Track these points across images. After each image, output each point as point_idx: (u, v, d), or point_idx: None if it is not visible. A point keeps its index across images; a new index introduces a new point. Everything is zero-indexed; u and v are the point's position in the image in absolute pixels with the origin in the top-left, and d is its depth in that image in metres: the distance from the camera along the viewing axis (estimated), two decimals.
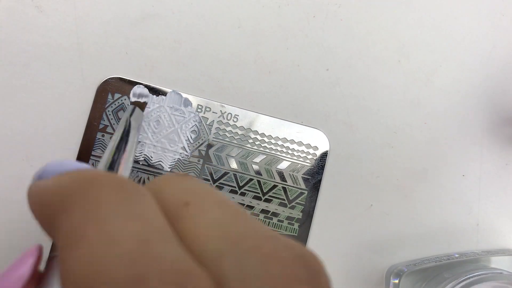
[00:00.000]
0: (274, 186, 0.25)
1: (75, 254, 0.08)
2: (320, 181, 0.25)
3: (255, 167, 0.25)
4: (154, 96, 0.25)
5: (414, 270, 0.24)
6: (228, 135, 0.25)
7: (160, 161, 0.25)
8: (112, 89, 0.25)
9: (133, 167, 0.25)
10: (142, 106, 0.25)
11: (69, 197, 0.10)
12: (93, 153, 0.25)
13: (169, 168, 0.25)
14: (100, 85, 0.25)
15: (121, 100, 0.25)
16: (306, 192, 0.25)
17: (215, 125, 0.25)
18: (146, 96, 0.25)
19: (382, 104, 0.26)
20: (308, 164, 0.25)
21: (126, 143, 0.21)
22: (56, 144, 0.25)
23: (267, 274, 0.09)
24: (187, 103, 0.25)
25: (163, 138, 0.25)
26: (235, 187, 0.25)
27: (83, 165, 0.11)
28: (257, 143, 0.25)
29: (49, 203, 0.10)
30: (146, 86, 0.25)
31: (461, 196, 0.26)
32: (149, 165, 0.25)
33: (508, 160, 0.26)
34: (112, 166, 0.20)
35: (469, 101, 0.26)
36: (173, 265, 0.08)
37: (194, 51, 0.25)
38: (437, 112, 0.26)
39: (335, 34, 0.26)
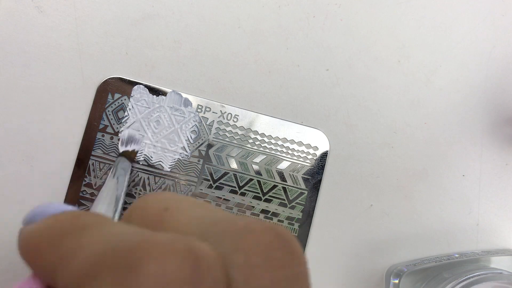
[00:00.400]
0: (274, 186, 0.25)
1: (76, 257, 0.09)
2: (320, 181, 0.25)
3: (255, 167, 0.25)
4: (154, 96, 0.25)
5: (414, 270, 0.24)
6: (228, 135, 0.25)
7: (160, 161, 0.25)
8: (112, 89, 0.25)
9: (133, 167, 0.25)
10: (131, 155, 0.25)
11: (57, 233, 0.10)
12: (93, 153, 0.25)
13: (169, 168, 0.25)
14: (100, 85, 0.25)
15: (121, 100, 0.25)
16: (306, 192, 0.25)
17: (215, 125, 0.25)
18: (136, 141, 0.25)
19: (382, 104, 0.26)
20: (308, 164, 0.25)
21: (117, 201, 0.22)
22: (56, 144, 0.25)
23: (244, 245, 0.09)
24: (187, 103, 0.25)
25: (163, 138, 0.25)
26: (235, 187, 0.25)
27: (68, 207, 0.12)
28: (257, 143, 0.25)
29: (37, 243, 0.10)
30: (146, 86, 0.25)
31: (461, 196, 0.26)
32: (149, 165, 0.25)
33: (508, 160, 0.26)
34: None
35: (469, 101, 0.26)
36: (179, 236, 0.09)
37: (194, 51, 0.25)
38: (437, 112, 0.26)
39: (335, 34, 0.26)
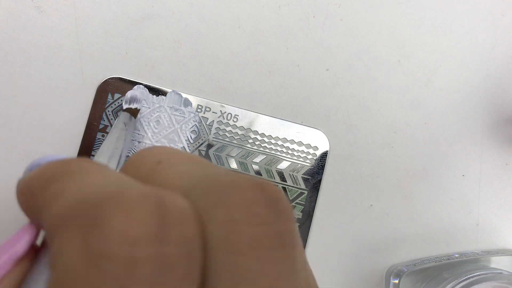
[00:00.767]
0: None
1: (57, 202, 0.09)
2: (320, 181, 0.25)
3: (255, 167, 0.25)
4: (154, 96, 0.25)
5: (414, 270, 0.24)
6: (228, 135, 0.25)
7: None
8: (112, 89, 0.25)
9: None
10: (134, 112, 0.25)
11: (47, 178, 0.10)
12: (93, 153, 0.25)
13: None
14: (100, 85, 0.25)
15: (121, 100, 0.25)
16: (306, 192, 0.25)
17: (215, 125, 0.25)
18: (138, 101, 0.25)
19: (382, 104, 0.26)
20: (308, 164, 0.25)
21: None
22: (56, 144, 0.25)
23: (226, 200, 0.09)
24: (187, 103, 0.25)
25: (163, 138, 0.25)
26: None
27: (63, 156, 0.12)
28: (257, 143, 0.25)
29: (30, 188, 0.10)
30: (146, 86, 0.25)
31: (461, 196, 0.26)
32: None
33: (508, 160, 0.26)
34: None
35: (469, 101, 0.26)
36: (151, 189, 0.09)
37: (194, 51, 0.25)
38: (437, 112, 0.26)
39: (335, 34, 0.26)
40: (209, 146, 0.25)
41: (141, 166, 0.11)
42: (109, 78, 0.25)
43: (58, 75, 0.25)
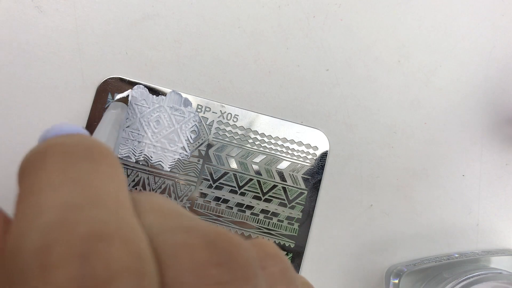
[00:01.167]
0: (274, 186, 0.25)
1: (10, 229, 0.09)
2: (320, 181, 0.25)
3: (255, 167, 0.25)
4: (154, 96, 0.25)
5: (414, 270, 0.24)
6: (228, 135, 0.25)
7: (160, 161, 0.25)
8: (112, 89, 0.25)
9: (133, 167, 0.25)
10: (125, 100, 0.25)
11: (24, 168, 0.10)
12: None
13: (169, 168, 0.25)
14: (100, 85, 0.25)
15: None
16: (306, 192, 0.25)
17: (215, 125, 0.25)
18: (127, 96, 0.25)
19: (382, 104, 0.26)
20: (308, 164, 0.25)
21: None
22: None
23: (178, 262, 0.09)
24: (187, 103, 0.25)
25: (163, 138, 0.25)
26: (235, 187, 0.25)
27: (74, 129, 0.11)
28: (257, 143, 0.25)
29: (23, 165, 0.10)
30: (146, 86, 0.25)
31: (461, 196, 0.26)
32: (149, 165, 0.25)
33: (508, 160, 0.26)
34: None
35: (469, 101, 0.26)
36: (91, 229, 0.08)
37: (194, 51, 0.25)
38: (437, 112, 0.26)
39: (335, 34, 0.26)
40: (209, 146, 0.25)
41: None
42: (109, 78, 0.25)
43: (58, 75, 0.25)
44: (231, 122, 0.25)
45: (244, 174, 0.25)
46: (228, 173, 0.25)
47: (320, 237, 0.25)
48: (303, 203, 0.25)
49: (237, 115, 0.25)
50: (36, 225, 0.08)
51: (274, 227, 0.25)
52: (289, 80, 0.26)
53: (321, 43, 0.26)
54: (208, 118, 0.25)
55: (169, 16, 0.25)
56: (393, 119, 0.26)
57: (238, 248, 0.09)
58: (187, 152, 0.25)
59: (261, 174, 0.25)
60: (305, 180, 0.25)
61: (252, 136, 0.25)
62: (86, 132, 0.11)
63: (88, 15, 0.25)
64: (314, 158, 0.25)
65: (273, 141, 0.25)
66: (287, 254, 0.25)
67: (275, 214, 0.25)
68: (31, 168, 0.09)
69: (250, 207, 0.25)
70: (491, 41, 0.26)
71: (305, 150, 0.25)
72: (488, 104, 0.26)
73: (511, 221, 0.26)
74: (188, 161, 0.25)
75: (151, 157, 0.25)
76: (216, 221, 0.25)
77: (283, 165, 0.25)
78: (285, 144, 0.25)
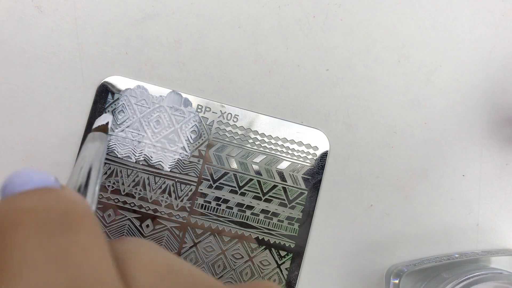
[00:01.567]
0: (274, 186, 0.25)
1: None
2: (320, 181, 0.25)
3: (255, 167, 0.25)
4: (154, 96, 0.25)
5: (414, 270, 0.24)
6: (228, 135, 0.25)
7: (160, 161, 0.25)
8: (112, 89, 0.25)
9: (133, 167, 0.25)
10: (104, 128, 0.23)
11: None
12: None
13: (169, 168, 0.25)
14: (100, 85, 0.25)
15: (121, 100, 0.25)
16: (306, 192, 0.25)
17: (215, 125, 0.25)
18: (104, 118, 0.24)
19: (382, 104, 0.26)
20: (308, 164, 0.25)
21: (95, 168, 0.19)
22: (56, 144, 0.25)
23: None
24: (187, 103, 0.25)
25: (163, 138, 0.25)
26: (235, 187, 0.25)
27: (42, 181, 0.10)
28: (257, 143, 0.25)
29: None
30: (146, 86, 0.25)
31: (461, 196, 0.26)
32: (149, 165, 0.25)
33: (508, 160, 0.26)
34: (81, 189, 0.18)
35: (469, 101, 0.26)
36: None
37: (194, 51, 0.25)
38: (437, 112, 0.26)
39: (335, 34, 0.26)
40: (209, 146, 0.25)
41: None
42: (109, 78, 0.25)
43: (58, 75, 0.25)
44: (231, 122, 0.25)
45: (244, 174, 0.25)
46: (228, 173, 0.25)
47: (320, 237, 0.25)
48: (303, 203, 0.25)
49: (237, 115, 0.25)
50: None
51: (274, 227, 0.25)
52: (289, 80, 0.26)
53: (321, 43, 0.26)
54: (208, 118, 0.25)
55: (169, 16, 0.25)
56: (393, 119, 0.26)
57: None
58: (187, 152, 0.25)
59: (261, 174, 0.25)
60: (305, 180, 0.25)
61: (252, 136, 0.25)
62: (55, 183, 0.10)
63: (88, 15, 0.25)
64: (314, 158, 0.25)
65: (273, 141, 0.25)
66: (287, 254, 0.25)
67: (275, 214, 0.25)
68: (2, 237, 0.09)
69: (250, 207, 0.25)
70: (491, 41, 0.26)
71: (305, 150, 0.25)
72: (488, 104, 0.26)
73: (511, 221, 0.26)
74: (188, 161, 0.25)
75: (151, 157, 0.25)
76: (216, 221, 0.25)
77: (283, 165, 0.25)
78: (285, 144, 0.25)
